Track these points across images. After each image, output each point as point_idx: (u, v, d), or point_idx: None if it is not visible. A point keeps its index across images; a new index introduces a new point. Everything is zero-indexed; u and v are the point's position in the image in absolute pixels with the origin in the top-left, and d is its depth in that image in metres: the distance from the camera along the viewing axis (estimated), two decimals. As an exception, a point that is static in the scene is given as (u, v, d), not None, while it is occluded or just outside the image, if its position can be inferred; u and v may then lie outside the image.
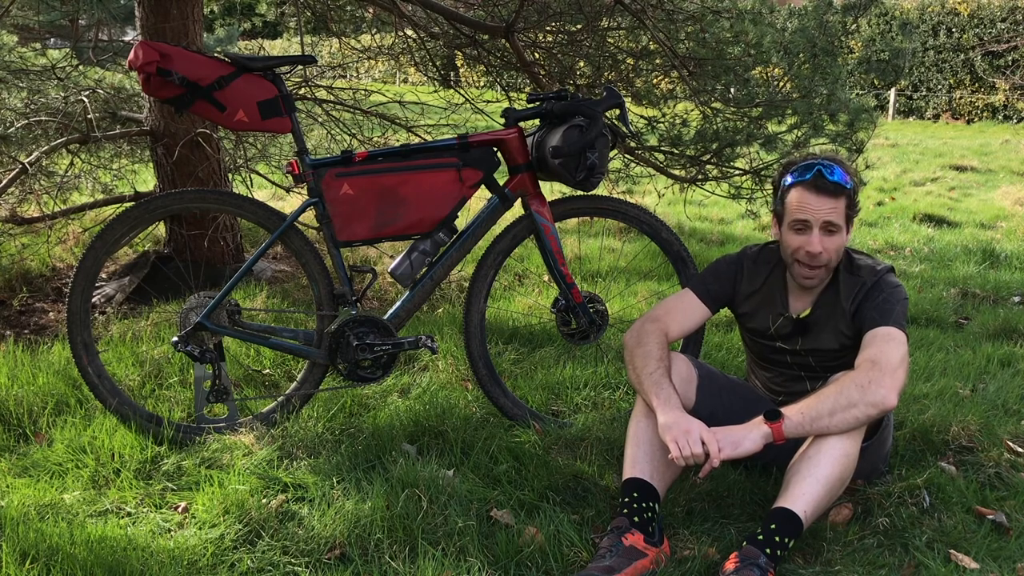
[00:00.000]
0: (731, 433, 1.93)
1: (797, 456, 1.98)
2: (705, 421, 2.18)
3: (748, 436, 1.92)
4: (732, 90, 3.81)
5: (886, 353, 1.98)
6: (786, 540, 1.84)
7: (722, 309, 2.37)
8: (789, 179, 2.15)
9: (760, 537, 1.84)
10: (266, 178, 4.89)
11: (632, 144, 3.91)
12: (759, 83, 3.74)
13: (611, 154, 2.85)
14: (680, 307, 2.30)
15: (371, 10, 4.62)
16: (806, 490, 1.89)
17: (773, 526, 1.85)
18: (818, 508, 1.91)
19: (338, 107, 4.65)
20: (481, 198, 2.69)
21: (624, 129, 2.62)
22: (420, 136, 4.62)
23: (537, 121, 2.59)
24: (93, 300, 3.64)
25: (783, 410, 1.96)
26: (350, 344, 2.44)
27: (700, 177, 4.00)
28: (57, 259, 4.26)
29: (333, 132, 4.68)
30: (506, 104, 4.13)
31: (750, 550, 1.82)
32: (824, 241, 2.11)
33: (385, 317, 2.50)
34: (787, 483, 1.93)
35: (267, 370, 2.97)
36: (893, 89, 15.70)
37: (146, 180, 5.65)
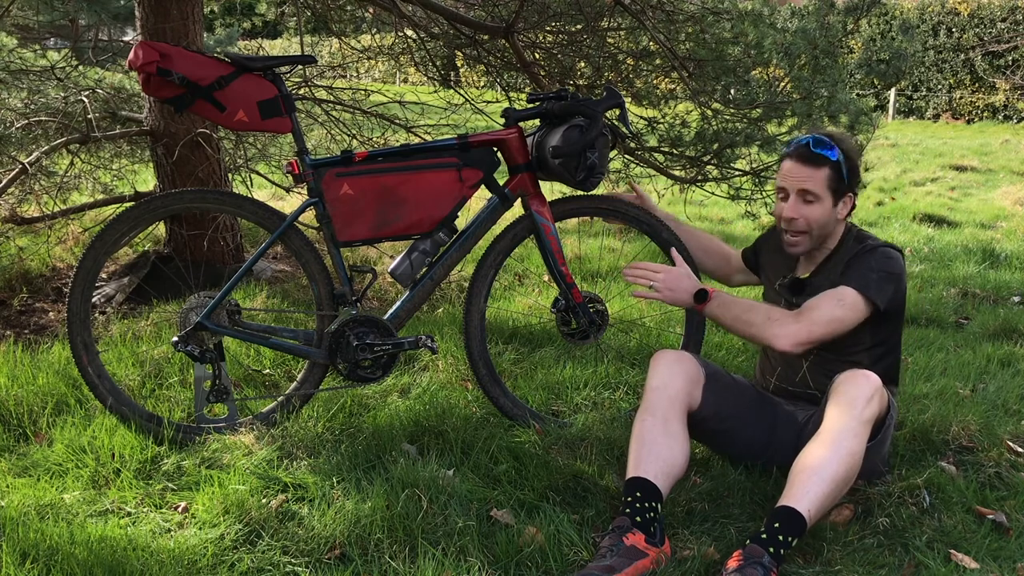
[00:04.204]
0: (675, 281, 2.20)
1: (801, 454, 1.98)
2: (710, 419, 2.21)
3: (685, 290, 2.18)
4: (732, 91, 3.81)
5: (817, 307, 2.09)
6: (790, 539, 1.84)
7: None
8: (785, 151, 2.30)
9: (764, 536, 1.84)
10: (266, 178, 4.89)
11: (632, 144, 3.91)
12: (759, 84, 3.74)
13: (611, 154, 2.85)
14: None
15: (371, 10, 4.62)
16: (810, 489, 1.89)
17: (777, 525, 1.85)
18: (822, 507, 1.91)
19: (338, 107, 4.64)
20: (481, 198, 2.69)
21: (624, 129, 2.62)
22: (420, 136, 4.62)
23: (537, 121, 2.59)
24: (93, 300, 3.64)
25: (716, 292, 2.18)
26: (350, 344, 2.44)
27: (700, 178, 3.99)
28: (57, 259, 4.26)
29: (333, 132, 4.68)
30: (506, 104, 4.13)
31: (754, 548, 1.82)
32: (800, 208, 2.22)
33: (385, 317, 2.50)
34: (791, 481, 1.93)
35: (267, 370, 2.97)
36: (893, 89, 15.70)
37: (146, 180, 5.64)
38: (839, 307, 2.06)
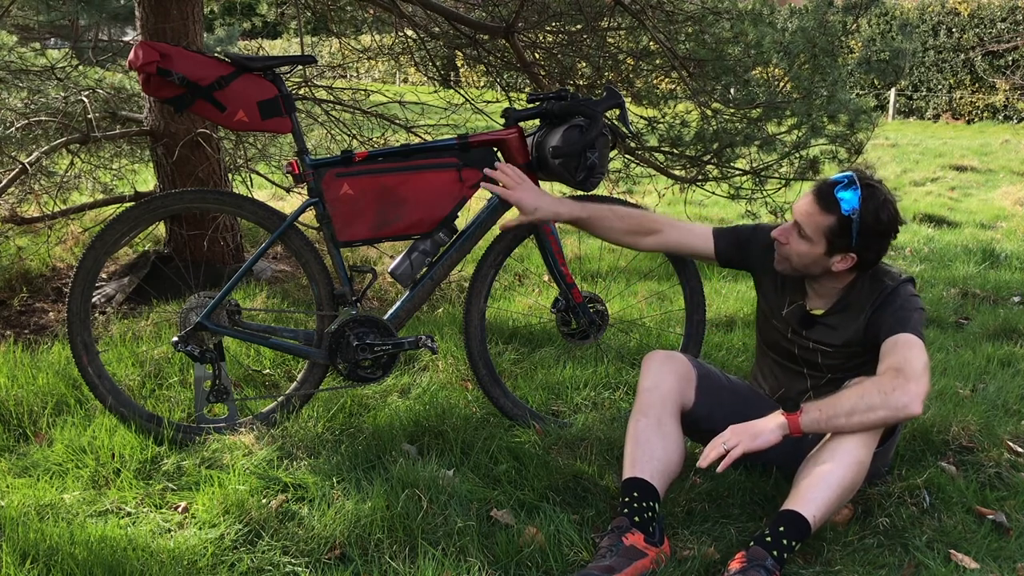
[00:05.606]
0: (749, 427, 1.96)
1: (809, 459, 1.99)
2: (703, 420, 2.19)
3: (766, 427, 1.95)
4: (732, 91, 3.81)
5: (909, 360, 1.96)
6: (793, 543, 1.85)
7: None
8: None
9: (768, 539, 1.84)
10: (266, 178, 4.89)
11: (632, 144, 3.90)
12: (759, 83, 3.74)
13: (611, 154, 2.85)
14: (690, 228, 2.40)
15: (371, 10, 4.62)
16: (817, 495, 1.89)
17: (781, 528, 1.86)
18: (827, 513, 1.91)
19: (338, 107, 4.64)
20: (481, 198, 2.69)
21: (624, 129, 2.62)
22: (420, 136, 4.62)
23: (537, 121, 2.59)
24: (93, 300, 3.64)
25: (803, 405, 1.97)
26: (350, 344, 2.44)
27: (700, 177, 3.99)
28: (57, 259, 4.26)
29: (333, 132, 4.67)
30: (506, 104, 4.13)
31: (757, 551, 1.82)
32: (790, 235, 2.14)
33: (385, 317, 2.50)
34: (798, 486, 1.93)
35: (267, 370, 2.97)
36: (893, 89, 15.70)
37: (146, 180, 5.65)
38: (923, 353, 1.99)
